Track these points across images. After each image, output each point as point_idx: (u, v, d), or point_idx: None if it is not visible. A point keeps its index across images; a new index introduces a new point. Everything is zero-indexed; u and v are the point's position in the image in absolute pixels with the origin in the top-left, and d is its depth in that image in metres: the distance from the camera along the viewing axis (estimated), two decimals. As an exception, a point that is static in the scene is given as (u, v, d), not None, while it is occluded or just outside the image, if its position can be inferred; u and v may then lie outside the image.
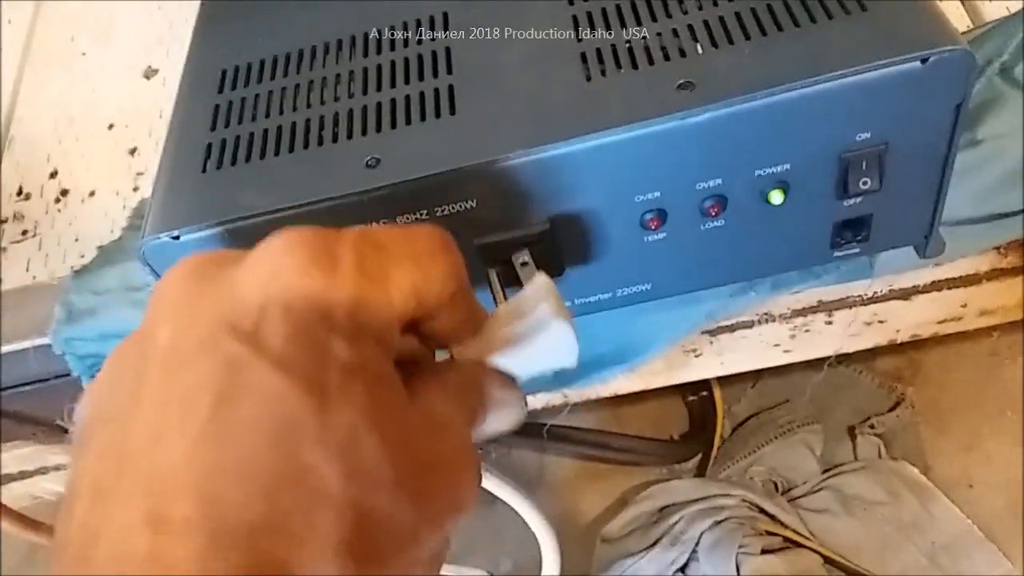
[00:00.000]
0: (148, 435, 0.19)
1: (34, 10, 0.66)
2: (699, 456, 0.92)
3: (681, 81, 0.31)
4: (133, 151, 0.56)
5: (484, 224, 0.33)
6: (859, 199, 0.34)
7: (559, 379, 0.47)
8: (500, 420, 0.27)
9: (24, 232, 0.54)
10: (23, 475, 0.58)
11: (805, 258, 0.38)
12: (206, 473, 0.18)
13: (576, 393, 0.52)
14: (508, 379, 0.27)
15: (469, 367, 0.26)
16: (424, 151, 0.32)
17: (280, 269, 0.19)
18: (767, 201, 0.34)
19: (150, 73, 0.59)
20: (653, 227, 0.34)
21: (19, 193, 0.56)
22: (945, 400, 0.93)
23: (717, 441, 0.92)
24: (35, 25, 0.65)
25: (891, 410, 0.92)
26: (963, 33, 0.46)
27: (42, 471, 0.58)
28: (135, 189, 0.54)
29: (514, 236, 0.33)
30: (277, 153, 0.34)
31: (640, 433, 0.91)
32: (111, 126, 0.57)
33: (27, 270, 0.52)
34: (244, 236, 0.32)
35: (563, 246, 0.35)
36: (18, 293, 0.49)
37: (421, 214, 0.33)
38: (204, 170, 0.34)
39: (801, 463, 0.88)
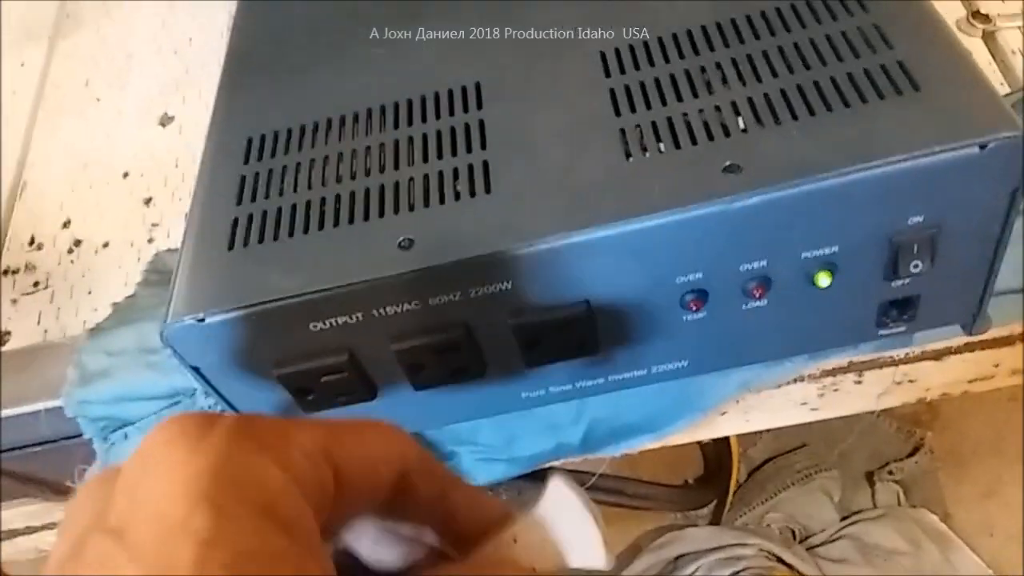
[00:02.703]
0: None
1: (48, 53, 0.65)
2: (714, 501, 0.90)
3: (727, 163, 0.30)
4: (148, 201, 0.55)
5: (519, 305, 0.32)
6: (908, 280, 0.33)
7: (586, 446, 0.46)
8: None
9: (36, 284, 0.52)
10: (29, 530, 0.57)
11: (848, 336, 0.36)
12: None
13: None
14: None
15: None
16: (459, 232, 0.31)
17: None
18: (813, 283, 0.32)
19: (166, 120, 0.58)
20: (694, 308, 0.33)
21: (31, 243, 0.55)
22: (964, 445, 0.91)
23: (733, 486, 0.90)
24: (49, 68, 0.64)
25: (910, 455, 0.91)
26: (1004, 96, 0.45)
27: (49, 527, 0.56)
28: (150, 240, 0.53)
29: (550, 318, 0.32)
30: (307, 231, 0.32)
31: (654, 475, 0.89)
32: (126, 174, 0.56)
33: (38, 323, 0.50)
34: (270, 319, 0.31)
35: (600, 326, 0.33)
36: (28, 353, 0.48)
37: (454, 295, 0.31)
38: (231, 247, 0.33)
39: (819, 510, 0.87)
